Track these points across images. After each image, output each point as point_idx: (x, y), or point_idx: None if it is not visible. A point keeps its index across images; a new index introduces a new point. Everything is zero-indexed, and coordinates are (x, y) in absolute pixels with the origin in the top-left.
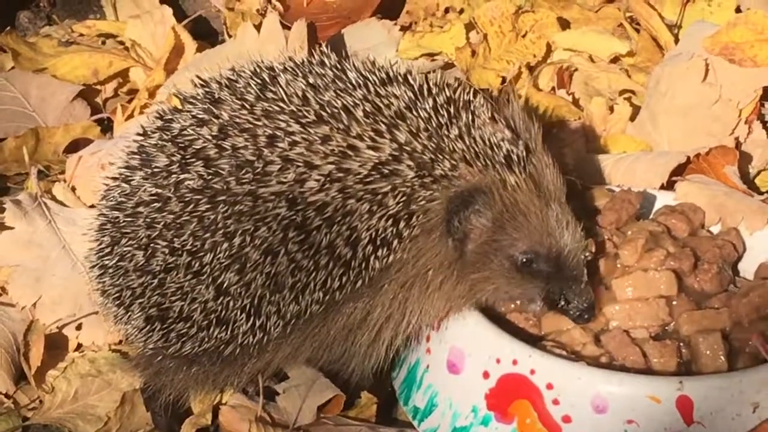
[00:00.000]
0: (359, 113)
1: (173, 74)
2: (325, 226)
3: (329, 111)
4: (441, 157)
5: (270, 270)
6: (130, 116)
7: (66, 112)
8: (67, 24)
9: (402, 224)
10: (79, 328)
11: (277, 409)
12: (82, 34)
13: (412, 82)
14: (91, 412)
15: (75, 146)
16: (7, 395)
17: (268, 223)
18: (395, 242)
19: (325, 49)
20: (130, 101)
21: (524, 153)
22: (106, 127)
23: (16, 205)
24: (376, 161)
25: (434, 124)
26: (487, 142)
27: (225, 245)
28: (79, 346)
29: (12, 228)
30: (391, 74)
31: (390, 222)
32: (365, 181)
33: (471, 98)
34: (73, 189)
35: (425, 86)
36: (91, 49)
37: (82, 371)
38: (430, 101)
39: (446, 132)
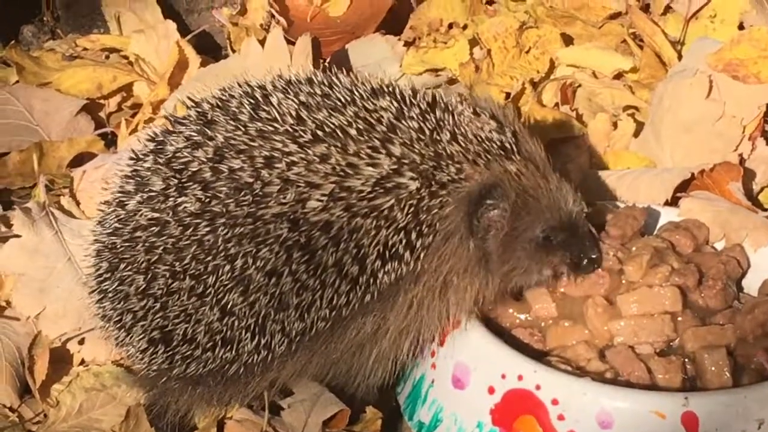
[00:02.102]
0: (353, 131)
1: (177, 89)
2: (331, 246)
3: (325, 130)
4: (442, 163)
5: (275, 290)
6: (134, 130)
7: (70, 126)
8: (71, 38)
9: (414, 235)
10: (81, 342)
11: (282, 424)
12: (86, 49)
13: (392, 90)
14: (95, 426)
15: (79, 160)
16: (11, 409)
17: (270, 244)
18: (407, 254)
19: (311, 68)
20: (133, 115)
21: (513, 138)
22: (110, 141)
23: (25, 213)
24: (378, 177)
25: (427, 132)
26: (480, 138)
27: (227, 267)
28: (83, 361)
29: (19, 236)
30: (374, 86)
31: (401, 235)
32: (369, 197)
33: (447, 98)
34: (77, 203)
35: (406, 94)
36: (95, 64)
37: (87, 385)
38: (416, 109)
39: (438, 137)
